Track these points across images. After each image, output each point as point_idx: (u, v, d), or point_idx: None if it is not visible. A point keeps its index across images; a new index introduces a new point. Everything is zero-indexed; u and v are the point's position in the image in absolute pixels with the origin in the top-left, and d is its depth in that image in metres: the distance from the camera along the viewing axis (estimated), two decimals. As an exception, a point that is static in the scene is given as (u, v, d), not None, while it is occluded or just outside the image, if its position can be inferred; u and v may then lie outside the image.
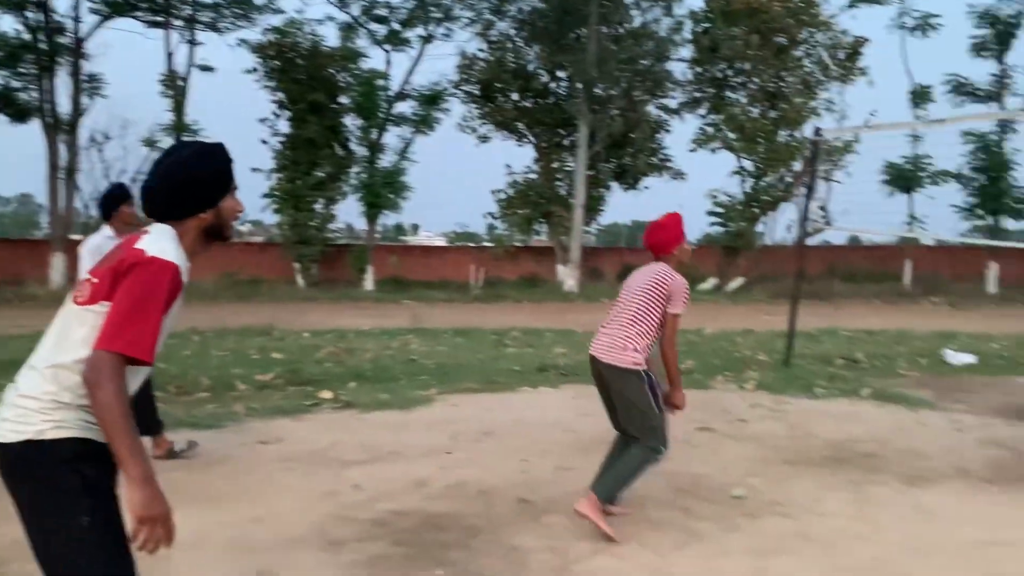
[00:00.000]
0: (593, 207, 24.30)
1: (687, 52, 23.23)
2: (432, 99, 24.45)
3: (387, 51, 24.19)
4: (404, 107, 24.03)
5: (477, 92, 24.81)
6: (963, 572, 3.37)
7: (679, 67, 23.72)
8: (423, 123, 24.31)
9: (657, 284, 3.90)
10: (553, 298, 20.81)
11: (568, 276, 22.27)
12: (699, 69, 23.40)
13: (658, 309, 3.89)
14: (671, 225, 4.12)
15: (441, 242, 47.60)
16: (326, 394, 6.90)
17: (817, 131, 8.51)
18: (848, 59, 22.56)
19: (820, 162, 19.69)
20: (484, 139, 25.28)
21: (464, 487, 4.47)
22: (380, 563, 3.41)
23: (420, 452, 5.21)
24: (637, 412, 3.85)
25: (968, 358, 9.59)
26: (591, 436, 5.65)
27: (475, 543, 3.65)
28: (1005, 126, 22.25)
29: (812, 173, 8.40)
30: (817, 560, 3.46)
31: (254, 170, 22.80)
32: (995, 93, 22.45)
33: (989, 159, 21.34)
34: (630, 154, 23.38)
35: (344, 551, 3.52)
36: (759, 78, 22.47)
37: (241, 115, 26.34)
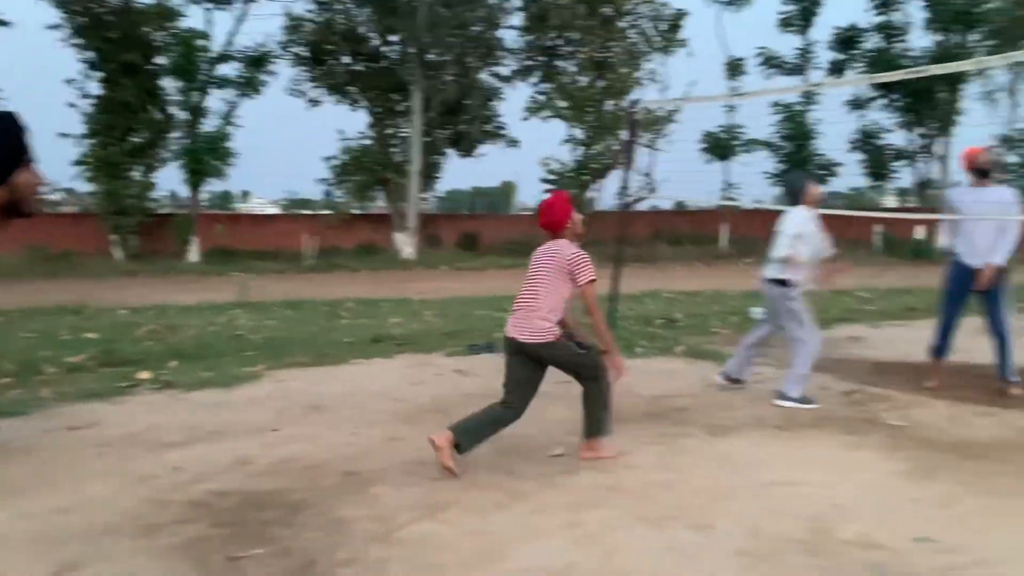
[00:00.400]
0: (429, 174, 24.27)
1: (518, 20, 23.50)
2: (258, 61, 23.46)
3: (207, 9, 22.93)
4: (228, 69, 22.91)
5: (306, 54, 23.99)
6: (754, 511, 3.69)
7: (511, 35, 23.99)
8: (248, 86, 23.30)
9: (554, 260, 4.29)
10: (391, 266, 20.70)
11: (406, 244, 22.19)
12: (530, 37, 23.72)
13: (561, 284, 4.28)
14: (557, 203, 4.44)
15: (274, 210, 45.99)
16: (144, 375, 6.57)
17: (633, 103, 8.84)
18: (669, 31, 23.58)
19: (640, 132, 20.71)
20: (315, 103, 24.55)
21: (289, 463, 4.41)
22: (198, 545, 3.32)
23: (244, 430, 5.08)
24: (574, 362, 4.37)
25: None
26: (420, 405, 5.73)
27: (298, 519, 3.63)
28: (809, 97, 24.07)
29: (631, 143, 8.75)
30: (627, 510, 3.70)
31: (62, 135, 21.07)
32: (800, 66, 24.20)
33: (795, 128, 23.05)
34: (465, 121, 23.46)
35: (160, 535, 3.41)
36: (587, 48, 23.08)
37: (47, 75, 24.17)
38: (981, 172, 6.05)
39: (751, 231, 24.90)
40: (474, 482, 4.09)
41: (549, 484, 4.06)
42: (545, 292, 4.28)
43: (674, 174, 34.93)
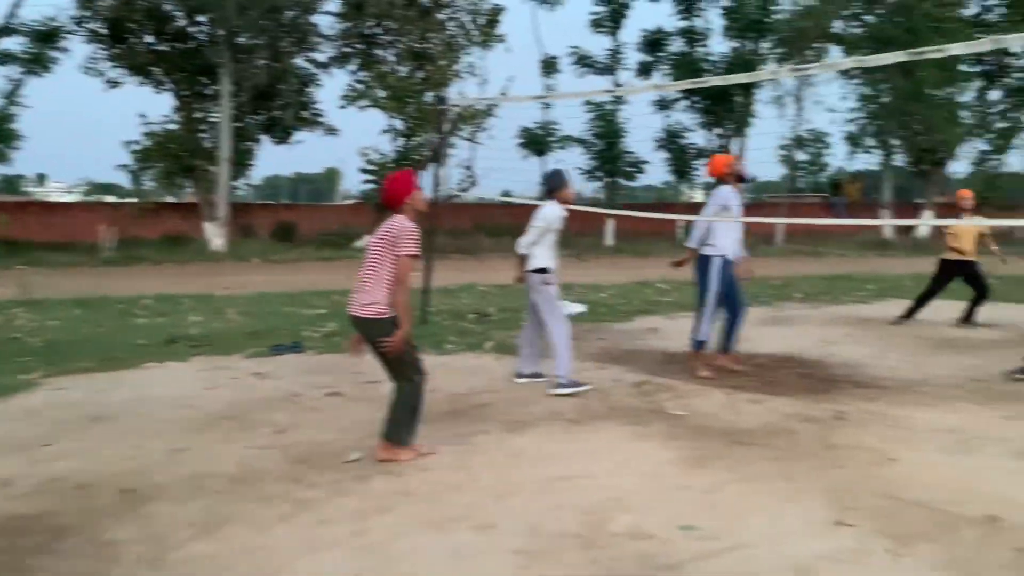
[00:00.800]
0: (242, 161, 23.23)
1: (335, 6, 22.93)
2: (46, 36, 21.50)
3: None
4: (11, 43, 20.84)
5: (104, 31, 22.22)
6: (537, 508, 3.82)
7: (328, 21, 23.36)
8: (36, 63, 21.30)
9: (387, 234, 4.32)
10: (199, 259, 19.68)
11: (215, 235, 21.14)
12: (347, 24, 23.21)
13: (391, 258, 4.29)
14: (399, 179, 4.49)
15: (72, 197, 42.44)
16: None
17: (441, 100, 8.89)
18: (487, 25, 23.86)
19: (460, 126, 20.91)
20: (114, 84, 22.80)
21: (58, 483, 4.10)
22: (-62, 584, 3.02)
23: (11, 447, 4.67)
24: (395, 354, 4.34)
25: (579, 307, 10.74)
26: (212, 412, 5.49)
27: (63, 545, 3.38)
28: (619, 97, 25.17)
29: (442, 139, 8.79)
30: (415, 515, 3.72)
31: None
32: (611, 66, 25.23)
33: (606, 127, 24.04)
34: (279, 107, 22.60)
35: None
36: (406, 38, 22.92)
37: None
38: (739, 177, 6.85)
39: (569, 225, 25.75)
40: (260, 494, 3.97)
41: (339, 491, 4.02)
42: (376, 267, 4.32)
43: (496, 167, 35.63)
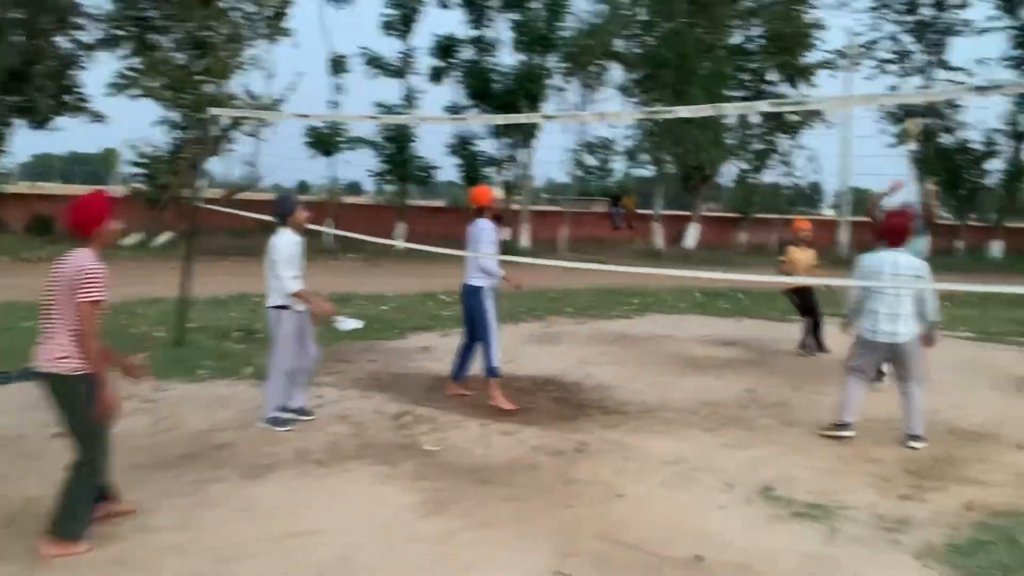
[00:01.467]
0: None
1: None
2: None
3: None
4: None
5: None
6: (265, 571, 3.67)
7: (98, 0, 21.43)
8: None
9: (65, 272, 3.71)
10: (-73, 257, 17.35)
11: (-48, 230, 18.75)
12: (120, 5, 21.42)
13: (73, 303, 3.67)
14: (89, 204, 3.86)
15: None
16: None
17: (208, 112, 8.38)
18: (274, 18, 22.93)
19: (213, 136, 19.83)
20: None
21: None
22: None
23: None
24: (75, 418, 3.74)
25: (354, 323, 10.59)
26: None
27: None
28: (410, 99, 25.12)
29: (203, 148, 8.29)
30: (121, 590, 3.45)
31: None
32: (401, 70, 25.09)
33: (396, 130, 23.88)
34: (34, 89, 20.43)
35: None
36: (186, 24, 21.52)
37: None
38: (496, 215, 7.03)
39: (356, 225, 25.34)
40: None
41: (37, 565, 3.63)
42: (59, 312, 3.72)
43: (283, 164, 34.39)
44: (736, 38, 30.50)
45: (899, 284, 5.96)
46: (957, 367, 9.12)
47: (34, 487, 4.54)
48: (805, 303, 9.88)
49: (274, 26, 22.88)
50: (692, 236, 30.14)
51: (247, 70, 22.81)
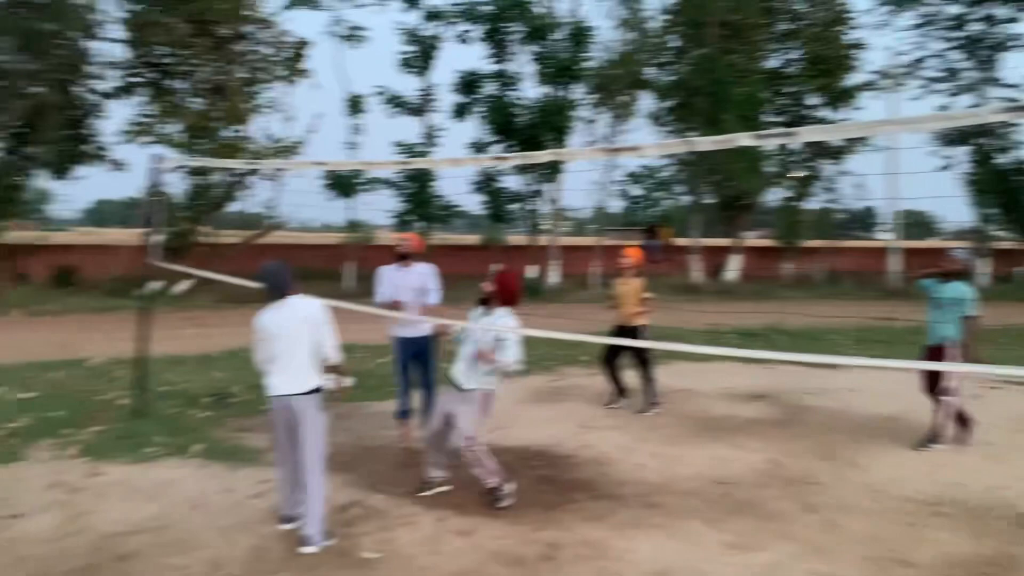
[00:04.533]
0: (6, 197, 20.58)
1: (119, 33, 20.92)
2: None
3: None
4: None
5: None
6: None
7: (115, 49, 21.32)
8: None
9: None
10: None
11: (-33, 284, 18.54)
12: (136, 52, 21.29)
13: None
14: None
15: None
16: None
17: (158, 159, 7.72)
18: (292, 60, 22.61)
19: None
20: None
21: None
22: None
23: None
24: None
25: (347, 381, 9.71)
26: None
27: None
28: (430, 137, 24.56)
29: (155, 199, 7.63)
30: None
31: None
32: (421, 107, 24.56)
33: (416, 170, 23.26)
34: (48, 141, 20.21)
35: None
36: (202, 70, 21.31)
37: None
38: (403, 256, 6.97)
39: (377, 266, 24.66)
40: None
41: None
42: None
43: (304, 205, 34.08)
44: (773, 62, 29.48)
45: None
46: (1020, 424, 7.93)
47: None
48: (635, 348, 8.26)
49: (292, 68, 22.53)
50: (733, 268, 28.89)
51: (265, 113, 22.48)
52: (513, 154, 5.43)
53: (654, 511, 5.50)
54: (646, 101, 28.26)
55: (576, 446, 7.17)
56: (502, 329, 5.46)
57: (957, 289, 6.95)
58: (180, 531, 5.04)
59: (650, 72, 27.85)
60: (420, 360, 7.01)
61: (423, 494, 5.73)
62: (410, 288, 6.87)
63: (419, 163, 9.89)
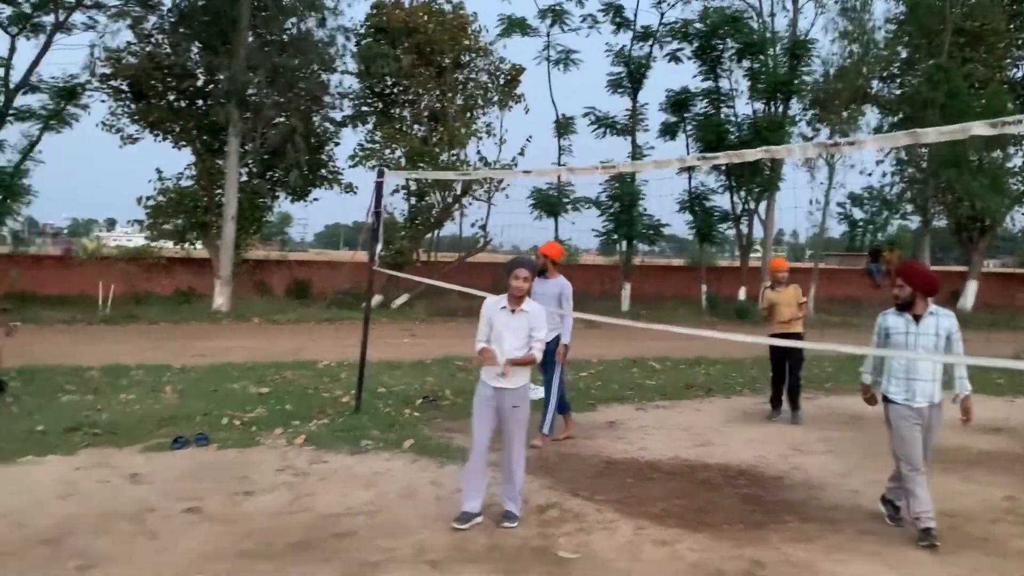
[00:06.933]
0: (254, 217, 22.93)
1: (352, 65, 22.75)
2: (68, 93, 21.77)
3: (12, 35, 21.15)
4: (31, 100, 21.16)
5: (125, 89, 22.35)
6: None
7: (346, 79, 23.23)
8: (55, 119, 21.57)
9: None
10: (198, 318, 19.25)
11: (219, 293, 20.80)
12: (364, 83, 23.06)
13: None
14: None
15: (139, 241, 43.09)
16: None
17: (380, 171, 8.27)
18: (506, 85, 23.50)
19: (382, 201, 20.12)
20: (132, 140, 22.82)
21: None
22: None
23: None
24: None
25: (536, 392, 9.84)
26: (35, 531, 4.83)
27: None
28: (639, 157, 24.47)
29: (377, 211, 8.18)
30: None
31: None
32: (630, 127, 24.58)
33: (622, 188, 23.28)
34: (293, 165, 22.32)
35: None
36: (423, 98, 22.69)
37: None
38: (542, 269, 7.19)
39: (587, 286, 24.91)
40: None
41: None
42: None
43: (512, 226, 35.11)
44: (1020, 71, 26.77)
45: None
46: None
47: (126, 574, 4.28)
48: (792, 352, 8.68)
49: (506, 93, 23.40)
50: (969, 296, 26.33)
51: (480, 137, 23.47)
52: (718, 153, 5.28)
53: (869, 537, 5.10)
54: (870, 116, 26.60)
55: (785, 468, 6.82)
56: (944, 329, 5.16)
57: None
58: (390, 516, 5.33)
59: (875, 85, 26.19)
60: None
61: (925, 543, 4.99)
62: (550, 297, 7.17)
63: (623, 167, 9.84)
